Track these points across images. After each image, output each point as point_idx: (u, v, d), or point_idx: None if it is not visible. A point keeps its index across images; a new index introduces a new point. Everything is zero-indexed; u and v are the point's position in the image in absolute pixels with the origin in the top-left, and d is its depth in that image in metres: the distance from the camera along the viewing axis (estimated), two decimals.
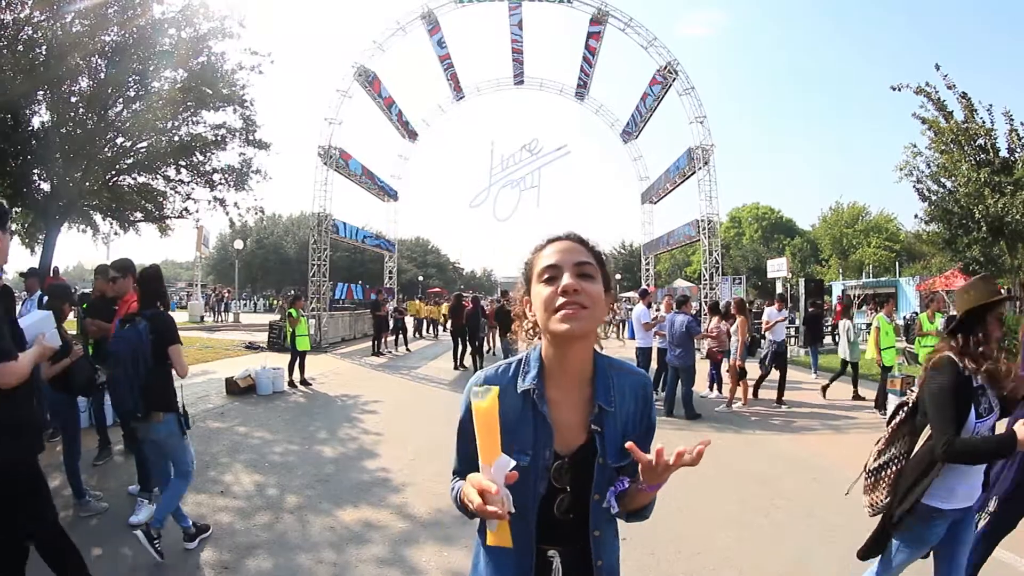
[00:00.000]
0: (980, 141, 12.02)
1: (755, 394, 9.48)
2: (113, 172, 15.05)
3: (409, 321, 22.40)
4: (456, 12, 22.00)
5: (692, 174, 21.82)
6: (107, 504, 4.78)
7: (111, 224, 17.82)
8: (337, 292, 24.27)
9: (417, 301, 26.96)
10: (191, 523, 4.24)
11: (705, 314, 15.98)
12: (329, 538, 4.36)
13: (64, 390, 4.69)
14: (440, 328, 26.15)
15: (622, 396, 1.43)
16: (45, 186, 14.03)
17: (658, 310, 11.66)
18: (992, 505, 3.40)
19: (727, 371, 10.27)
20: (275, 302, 39.48)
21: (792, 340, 19.12)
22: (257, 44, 17.46)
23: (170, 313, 4.19)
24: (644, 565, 3.99)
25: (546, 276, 1.34)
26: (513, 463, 1.15)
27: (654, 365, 10.71)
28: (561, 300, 1.28)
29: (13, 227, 16.44)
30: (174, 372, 4.02)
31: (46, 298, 7.00)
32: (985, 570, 3.94)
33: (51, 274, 12.56)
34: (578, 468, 1.38)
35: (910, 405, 2.72)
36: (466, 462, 1.42)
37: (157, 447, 4.13)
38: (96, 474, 5.65)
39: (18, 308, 7.79)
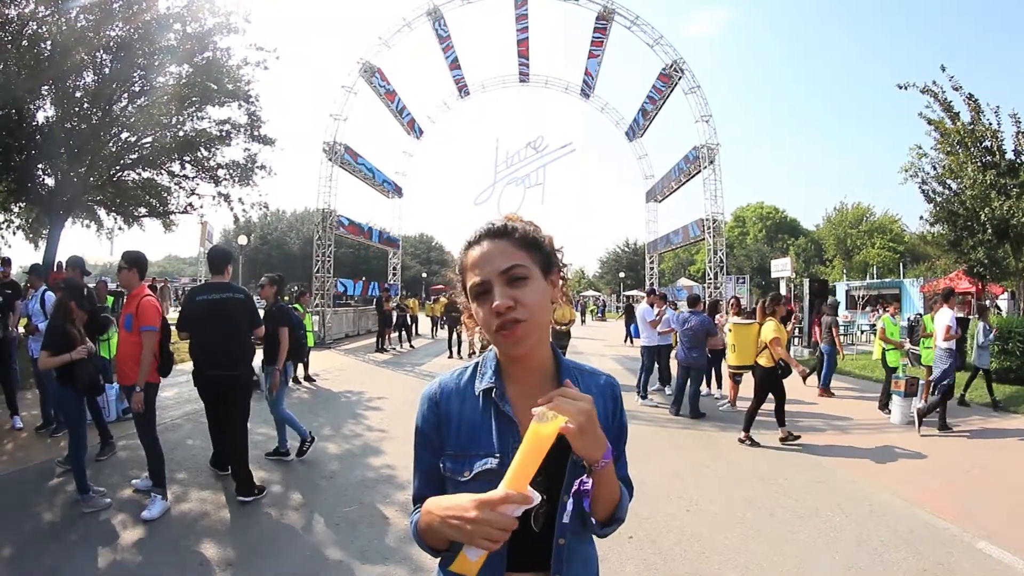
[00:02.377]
0: (986, 143, 11.97)
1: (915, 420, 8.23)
2: (117, 167, 15.09)
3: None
4: (462, 9, 22.03)
5: (697, 173, 21.81)
6: (110, 500, 4.79)
7: (115, 219, 17.90)
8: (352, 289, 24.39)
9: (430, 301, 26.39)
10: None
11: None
12: (334, 535, 4.36)
13: (70, 386, 4.70)
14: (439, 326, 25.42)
15: (589, 394, 1.22)
16: (49, 181, 14.08)
17: (672, 305, 11.74)
18: None
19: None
20: None
21: (796, 340, 19.12)
22: (263, 40, 17.51)
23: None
24: (650, 563, 3.98)
25: (476, 293, 1.22)
26: (537, 502, 1.02)
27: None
28: (497, 322, 1.17)
29: (17, 222, 16.51)
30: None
31: (49, 293, 7.03)
32: (992, 574, 3.95)
33: (55, 269, 12.57)
34: (553, 471, 1.18)
35: None
36: (428, 482, 1.31)
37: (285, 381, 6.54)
38: (99, 470, 5.66)
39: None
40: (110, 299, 7.66)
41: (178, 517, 4.60)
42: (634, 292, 49.73)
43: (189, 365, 10.30)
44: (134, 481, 5.17)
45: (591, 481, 1.12)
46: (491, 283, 1.19)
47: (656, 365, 10.63)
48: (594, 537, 1.33)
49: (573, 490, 1.12)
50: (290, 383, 7.02)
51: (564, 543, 1.20)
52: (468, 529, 1.01)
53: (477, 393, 1.29)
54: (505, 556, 1.19)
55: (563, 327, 11.12)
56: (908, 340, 11.83)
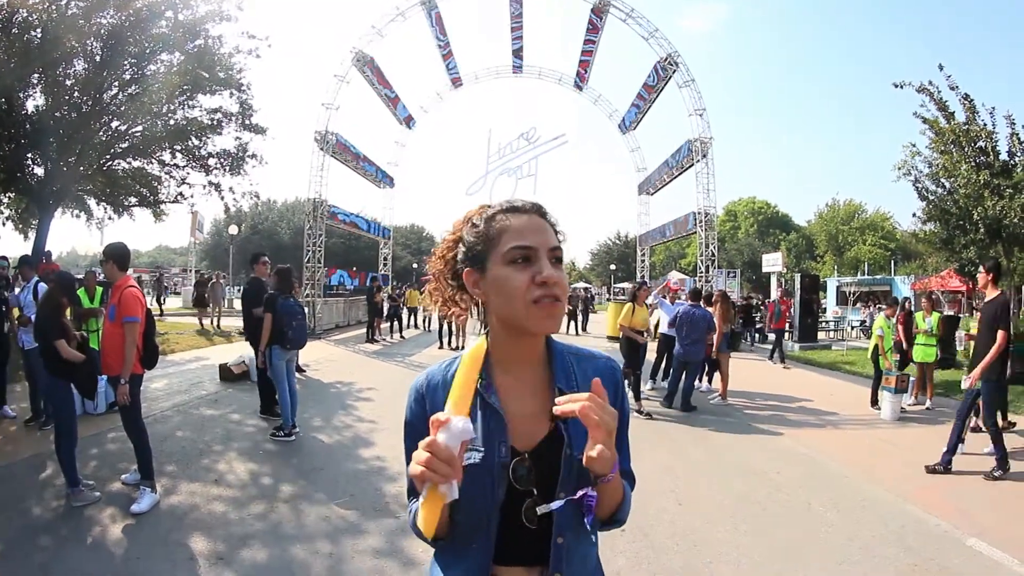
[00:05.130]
0: (981, 143, 11.98)
1: None
2: (107, 156, 14.95)
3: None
4: None
5: (690, 166, 21.83)
6: (99, 493, 4.75)
7: (105, 209, 17.76)
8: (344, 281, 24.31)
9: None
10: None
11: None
12: (324, 528, 4.34)
13: (63, 377, 4.66)
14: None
15: (586, 381, 1.20)
16: (39, 171, 13.93)
17: (666, 296, 11.72)
18: None
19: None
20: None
21: (789, 335, 19.17)
22: (255, 28, 17.33)
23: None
24: (642, 557, 3.98)
25: (517, 258, 1.15)
26: (470, 431, 1.01)
27: (650, 356, 10.73)
28: (538, 292, 1.11)
29: (6, 212, 16.36)
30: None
31: (42, 284, 6.96)
32: (982, 570, 3.97)
33: (44, 259, 12.45)
34: (543, 465, 1.15)
35: None
36: None
37: (290, 366, 7.00)
38: (88, 463, 5.62)
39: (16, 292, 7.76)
40: (99, 290, 7.59)
41: (167, 510, 4.57)
42: (625, 284, 49.88)
43: (176, 357, 10.50)
44: (124, 476, 5.13)
45: (596, 494, 1.08)
46: (539, 253, 1.15)
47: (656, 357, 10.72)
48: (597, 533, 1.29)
49: (578, 501, 1.08)
50: (292, 369, 7.21)
51: (563, 541, 1.17)
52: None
53: None
54: (492, 548, 1.16)
55: (639, 336, 8.97)
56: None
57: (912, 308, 10.81)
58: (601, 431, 0.99)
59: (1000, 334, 5.72)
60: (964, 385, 6.08)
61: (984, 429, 6.16)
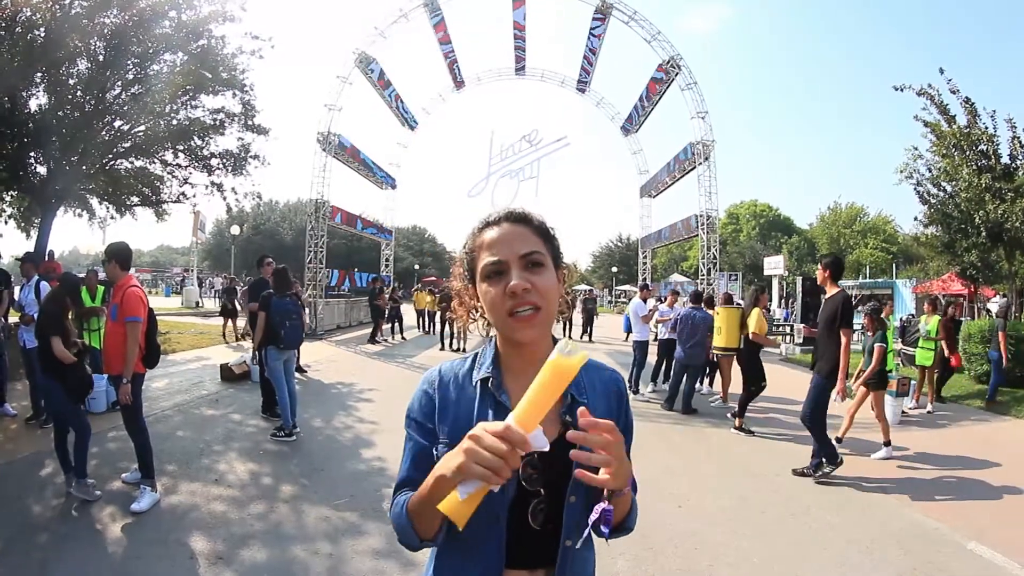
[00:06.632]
0: (982, 147, 11.99)
1: None
2: (110, 156, 14.96)
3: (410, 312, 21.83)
4: (459, 0, 21.98)
5: (692, 169, 21.86)
6: (100, 492, 4.75)
7: (107, 208, 17.78)
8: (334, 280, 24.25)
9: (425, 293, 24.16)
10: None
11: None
12: (324, 529, 4.34)
13: (53, 378, 4.67)
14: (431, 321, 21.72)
15: (593, 392, 1.28)
16: (42, 170, 13.94)
17: (662, 300, 11.69)
18: None
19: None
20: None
21: (789, 338, 19.15)
22: (258, 28, 17.40)
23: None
24: (641, 559, 3.98)
25: (490, 273, 1.19)
26: (545, 448, 0.98)
27: (651, 359, 10.73)
28: (511, 304, 1.15)
29: (9, 211, 16.37)
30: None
31: (44, 283, 6.97)
32: (973, 570, 3.98)
33: (46, 258, 12.45)
34: (551, 468, 1.16)
35: None
36: (418, 464, 1.24)
37: (288, 366, 6.97)
38: (89, 461, 5.62)
39: (16, 291, 7.78)
40: (100, 289, 7.61)
41: (168, 509, 4.58)
42: (627, 287, 49.90)
43: (178, 356, 10.41)
44: (124, 475, 5.13)
45: (612, 507, 1.09)
46: (508, 264, 1.18)
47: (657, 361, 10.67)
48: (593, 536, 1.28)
49: (593, 518, 1.09)
50: (292, 370, 7.25)
51: (571, 544, 1.18)
52: (463, 449, 0.98)
53: (474, 382, 1.26)
54: (504, 552, 1.16)
55: (769, 343, 8.71)
56: (900, 340, 11.86)
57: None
58: (612, 468, 1.02)
59: (844, 333, 5.73)
60: (834, 398, 6.12)
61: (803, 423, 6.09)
